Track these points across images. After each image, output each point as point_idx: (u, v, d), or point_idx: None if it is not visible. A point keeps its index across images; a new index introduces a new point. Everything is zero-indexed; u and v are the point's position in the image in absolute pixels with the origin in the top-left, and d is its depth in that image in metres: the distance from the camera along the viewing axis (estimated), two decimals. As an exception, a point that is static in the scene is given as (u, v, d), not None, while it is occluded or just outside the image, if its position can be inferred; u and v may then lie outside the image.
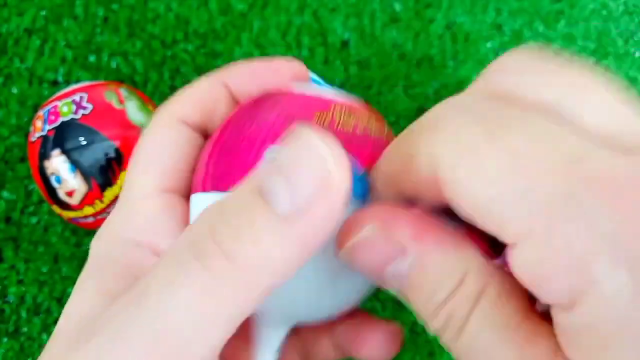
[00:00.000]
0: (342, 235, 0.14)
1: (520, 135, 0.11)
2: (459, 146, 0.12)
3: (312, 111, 0.16)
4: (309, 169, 0.12)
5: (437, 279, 0.13)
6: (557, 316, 0.11)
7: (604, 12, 0.40)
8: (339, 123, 0.16)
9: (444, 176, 0.12)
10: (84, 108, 0.29)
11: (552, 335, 0.11)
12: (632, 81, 0.39)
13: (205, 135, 0.18)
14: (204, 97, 0.18)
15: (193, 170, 0.18)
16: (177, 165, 0.17)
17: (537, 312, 0.12)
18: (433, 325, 0.13)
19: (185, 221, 0.17)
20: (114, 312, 0.13)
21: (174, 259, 0.13)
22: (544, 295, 0.11)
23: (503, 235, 0.11)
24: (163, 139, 0.18)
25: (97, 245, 0.17)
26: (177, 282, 0.12)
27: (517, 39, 0.39)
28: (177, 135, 0.18)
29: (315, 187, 0.12)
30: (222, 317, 0.12)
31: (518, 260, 0.11)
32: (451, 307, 0.12)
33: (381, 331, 0.18)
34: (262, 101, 0.17)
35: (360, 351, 0.18)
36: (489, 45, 0.39)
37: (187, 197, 0.17)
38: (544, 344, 0.12)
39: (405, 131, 0.14)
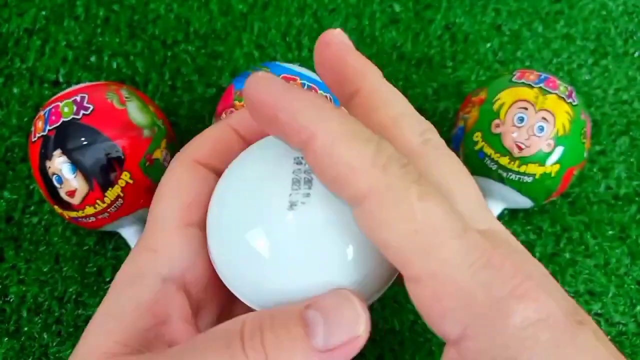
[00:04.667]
0: None
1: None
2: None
3: None
4: (346, 323, 0.16)
5: None
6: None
7: (604, 12, 0.41)
8: None
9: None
10: (85, 108, 0.29)
11: None
12: (632, 81, 0.39)
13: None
14: (216, 141, 0.21)
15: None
16: (195, 202, 0.20)
17: None
18: None
19: (206, 254, 0.19)
20: None
21: (222, 343, 0.16)
22: (440, 327, 0.15)
23: (405, 272, 0.15)
24: (182, 178, 0.20)
25: (121, 280, 0.19)
26: None
27: (516, 39, 0.39)
28: (195, 174, 0.20)
29: (346, 339, 0.15)
30: None
31: (419, 295, 0.15)
32: None
33: None
34: None
35: None
36: (488, 45, 0.39)
37: (204, 229, 0.19)
38: None
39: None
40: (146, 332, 0.17)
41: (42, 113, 0.30)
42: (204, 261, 0.19)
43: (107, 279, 0.33)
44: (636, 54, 0.40)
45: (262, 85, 0.16)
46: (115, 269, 0.30)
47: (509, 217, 0.35)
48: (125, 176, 0.29)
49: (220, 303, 0.21)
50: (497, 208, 0.32)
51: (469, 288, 0.14)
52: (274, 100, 0.16)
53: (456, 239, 0.15)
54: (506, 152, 0.30)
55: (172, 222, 0.19)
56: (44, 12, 0.38)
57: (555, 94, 0.30)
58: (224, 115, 0.31)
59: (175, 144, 0.32)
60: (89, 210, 0.29)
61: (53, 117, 0.29)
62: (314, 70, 0.34)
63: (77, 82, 0.36)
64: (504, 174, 0.30)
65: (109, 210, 0.29)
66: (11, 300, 0.32)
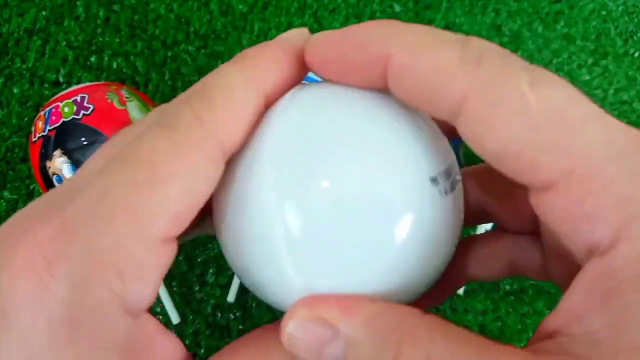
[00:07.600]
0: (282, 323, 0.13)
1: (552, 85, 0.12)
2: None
3: None
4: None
5: (372, 356, 0.12)
6: (591, 265, 0.11)
7: (603, 12, 0.41)
8: None
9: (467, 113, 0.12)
10: (86, 108, 0.29)
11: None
12: (632, 81, 0.39)
13: None
14: (249, 121, 0.14)
15: None
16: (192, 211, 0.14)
17: None
18: None
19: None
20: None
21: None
22: (584, 235, 0.12)
23: (532, 178, 0.12)
24: (200, 175, 0.13)
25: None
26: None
27: (516, 40, 0.39)
28: (215, 174, 0.14)
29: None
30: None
31: (552, 204, 0.12)
32: None
33: None
34: None
35: None
36: (488, 45, 0.39)
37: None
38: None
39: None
40: None
41: (42, 113, 0.30)
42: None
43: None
44: (636, 54, 0.40)
45: (319, 41, 0.14)
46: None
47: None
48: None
49: None
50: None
51: (620, 179, 0.11)
52: (335, 49, 0.14)
53: (595, 123, 0.12)
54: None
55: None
56: (44, 12, 0.38)
57: (555, 94, 0.30)
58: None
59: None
60: (89, 210, 0.29)
61: (53, 117, 0.29)
62: (313, 70, 0.34)
63: (78, 82, 0.36)
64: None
65: (109, 210, 0.29)
66: (11, 300, 0.32)
